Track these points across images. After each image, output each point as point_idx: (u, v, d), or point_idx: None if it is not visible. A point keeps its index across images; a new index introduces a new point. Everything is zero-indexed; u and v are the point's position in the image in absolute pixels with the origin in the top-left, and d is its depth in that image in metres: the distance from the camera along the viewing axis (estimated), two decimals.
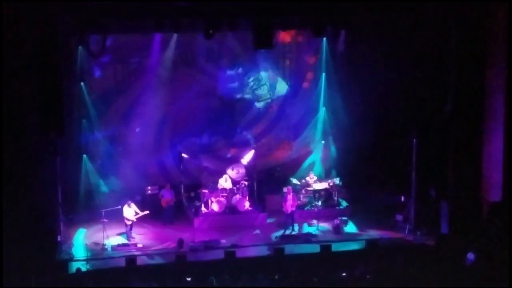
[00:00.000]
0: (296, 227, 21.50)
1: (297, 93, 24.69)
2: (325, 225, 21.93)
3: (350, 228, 21.85)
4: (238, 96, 24.24)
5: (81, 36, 20.32)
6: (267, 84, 24.47)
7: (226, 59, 23.78)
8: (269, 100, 24.51)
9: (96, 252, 19.79)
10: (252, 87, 24.38)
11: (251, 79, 24.31)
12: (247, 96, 24.36)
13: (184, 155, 23.41)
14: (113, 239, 20.59)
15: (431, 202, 21.13)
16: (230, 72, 24.01)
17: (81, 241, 20.58)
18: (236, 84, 24.20)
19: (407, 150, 21.41)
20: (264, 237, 21.28)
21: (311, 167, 24.23)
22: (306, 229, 21.63)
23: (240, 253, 19.30)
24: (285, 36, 23.66)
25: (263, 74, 24.34)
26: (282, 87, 24.53)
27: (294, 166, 24.58)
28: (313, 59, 24.29)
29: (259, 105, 24.54)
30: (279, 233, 21.33)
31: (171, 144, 24.01)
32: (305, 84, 24.58)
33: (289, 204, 21.39)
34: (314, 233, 21.25)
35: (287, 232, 21.38)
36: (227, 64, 23.85)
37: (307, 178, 23.28)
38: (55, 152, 19.71)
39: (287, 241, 20.64)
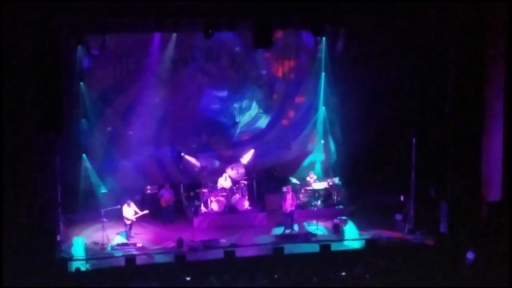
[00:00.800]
0: (296, 227, 21.49)
1: (296, 94, 24.69)
2: (324, 225, 21.94)
3: (350, 227, 21.84)
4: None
5: (80, 35, 20.30)
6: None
7: (225, 60, 23.80)
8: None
9: (96, 252, 19.78)
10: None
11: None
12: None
13: (183, 154, 23.43)
14: (112, 238, 20.57)
15: (431, 202, 21.12)
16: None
17: (81, 241, 20.55)
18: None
19: (407, 149, 21.41)
20: (263, 236, 21.27)
21: (310, 167, 24.23)
22: (306, 228, 21.62)
23: (239, 253, 19.29)
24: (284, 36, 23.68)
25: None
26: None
27: (293, 166, 24.57)
28: (312, 58, 24.30)
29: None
30: (279, 232, 21.32)
31: (170, 143, 24.02)
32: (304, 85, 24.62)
33: (288, 204, 21.38)
34: (313, 232, 21.25)
35: (287, 231, 21.36)
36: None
37: (308, 178, 23.27)
38: (54, 152, 19.72)
39: (287, 240, 20.63)
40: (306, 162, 24.67)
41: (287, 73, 24.68)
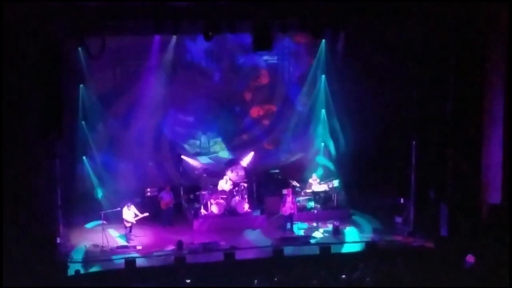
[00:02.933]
0: (296, 229, 21.48)
1: (296, 97, 24.71)
2: (324, 227, 21.93)
3: (349, 230, 21.84)
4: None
5: (80, 37, 20.29)
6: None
7: (225, 61, 23.81)
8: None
9: (95, 254, 19.78)
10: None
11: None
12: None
13: (183, 157, 23.44)
14: (112, 241, 20.57)
15: (431, 205, 21.09)
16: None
17: (80, 243, 20.56)
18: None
19: (407, 152, 21.41)
20: (263, 239, 21.26)
21: (310, 169, 24.20)
22: (303, 226, 21.64)
23: (239, 255, 19.28)
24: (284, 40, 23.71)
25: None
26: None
27: (293, 168, 24.56)
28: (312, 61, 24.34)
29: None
30: (279, 235, 21.31)
31: (170, 146, 24.02)
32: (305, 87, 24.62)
33: (288, 206, 21.38)
34: (313, 235, 21.24)
35: (287, 233, 21.35)
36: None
37: (310, 180, 23.25)
38: (54, 154, 19.72)
39: (287, 243, 20.63)
40: (306, 164, 24.65)
41: (287, 75, 24.70)
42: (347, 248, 20.34)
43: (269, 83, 24.55)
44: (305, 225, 22.01)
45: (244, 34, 21.63)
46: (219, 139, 24.54)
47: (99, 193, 22.79)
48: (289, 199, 21.44)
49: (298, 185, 23.38)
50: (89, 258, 19.33)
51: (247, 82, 24.36)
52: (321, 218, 22.25)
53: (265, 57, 24.06)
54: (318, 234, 21.41)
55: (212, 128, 24.34)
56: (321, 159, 24.74)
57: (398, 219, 21.81)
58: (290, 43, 24.12)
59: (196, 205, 22.73)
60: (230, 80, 24.18)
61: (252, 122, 24.66)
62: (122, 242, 20.72)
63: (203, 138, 24.33)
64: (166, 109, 23.60)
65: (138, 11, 19.21)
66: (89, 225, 21.97)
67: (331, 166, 24.53)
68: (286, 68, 24.68)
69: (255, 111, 24.65)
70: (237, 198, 22.58)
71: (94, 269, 18.77)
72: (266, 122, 24.74)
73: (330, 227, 21.79)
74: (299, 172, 24.36)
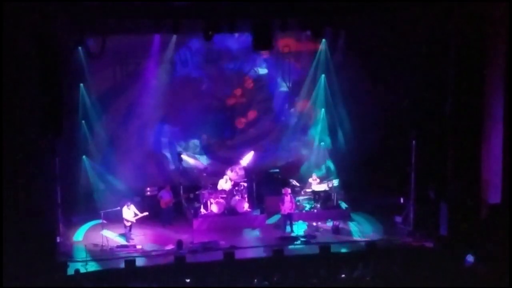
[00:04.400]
0: (295, 229, 21.48)
1: (296, 96, 24.71)
2: (324, 227, 21.93)
3: (349, 229, 21.82)
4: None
5: (80, 36, 20.31)
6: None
7: (226, 60, 23.83)
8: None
9: (95, 253, 19.77)
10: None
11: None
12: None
13: (183, 156, 23.43)
14: (112, 240, 20.57)
15: (430, 204, 21.10)
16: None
17: (80, 242, 20.55)
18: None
19: (406, 151, 21.41)
20: (263, 238, 21.27)
21: (310, 169, 24.20)
22: (303, 227, 21.64)
23: (239, 255, 19.26)
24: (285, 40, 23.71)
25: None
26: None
27: (293, 167, 24.57)
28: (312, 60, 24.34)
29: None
30: (278, 234, 21.31)
31: (170, 145, 24.02)
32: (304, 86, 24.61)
33: (287, 206, 21.37)
34: (313, 234, 21.24)
35: (286, 233, 21.36)
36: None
37: (310, 180, 23.25)
38: (54, 153, 19.72)
39: (286, 242, 20.63)
40: (306, 164, 24.66)
41: (287, 75, 24.70)
42: (346, 248, 20.32)
43: (269, 82, 24.52)
44: (304, 224, 22.00)
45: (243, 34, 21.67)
46: (219, 138, 24.49)
47: (99, 192, 22.77)
48: (287, 198, 21.43)
49: (298, 184, 23.38)
50: (89, 257, 19.30)
51: (243, 82, 24.32)
52: (320, 218, 22.24)
53: (264, 56, 24.01)
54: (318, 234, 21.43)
55: (212, 127, 24.29)
56: (321, 159, 24.73)
57: (398, 219, 21.84)
58: (290, 42, 24.06)
59: (196, 204, 22.71)
60: (229, 79, 24.15)
61: (251, 122, 24.62)
62: (121, 241, 20.71)
63: (203, 137, 24.29)
64: (166, 109, 23.57)
65: (138, 10, 19.20)
66: (88, 225, 21.95)
67: (331, 165, 24.53)
68: (285, 67, 24.62)
69: (252, 113, 24.63)
70: (237, 197, 22.58)
71: (93, 268, 18.77)
72: (265, 122, 24.69)
73: (329, 226, 21.78)
74: (299, 171, 24.37)
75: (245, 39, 22.58)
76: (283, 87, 24.69)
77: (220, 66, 23.93)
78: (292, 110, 24.81)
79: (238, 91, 24.33)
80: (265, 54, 23.74)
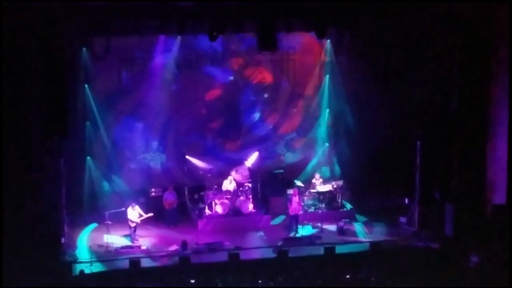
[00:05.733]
0: (300, 229, 21.47)
1: (301, 97, 24.69)
2: (329, 227, 21.91)
3: (354, 230, 21.80)
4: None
5: (85, 38, 20.34)
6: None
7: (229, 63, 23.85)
8: None
9: (100, 254, 19.79)
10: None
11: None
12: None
13: (188, 157, 23.43)
14: (117, 241, 20.58)
15: (436, 205, 21.09)
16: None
17: (85, 243, 20.58)
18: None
19: (411, 152, 21.38)
20: (268, 239, 21.26)
21: (315, 169, 24.18)
22: (310, 231, 21.61)
23: (244, 255, 19.27)
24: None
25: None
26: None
27: (298, 168, 24.55)
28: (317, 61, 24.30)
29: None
30: (283, 235, 21.30)
31: (175, 146, 24.01)
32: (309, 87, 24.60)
33: (295, 207, 21.37)
34: (318, 235, 21.22)
35: (291, 234, 21.34)
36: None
37: (313, 180, 23.23)
38: (59, 154, 19.75)
39: (291, 243, 20.61)
40: (311, 164, 24.65)
41: (291, 76, 24.69)
42: (351, 248, 20.30)
43: (273, 83, 24.50)
44: (309, 225, 21.97)
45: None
46: (223, 139, 24.46)
47: (103, 193, 22.79)
48: (295, 199, 21.43)
49: (302, 185, 23.35)
50: (93, 258, 19.32)
51: (251, 82, 24.30)
52: (325, 218, 22.22)
53: (268, 57, 23.99)
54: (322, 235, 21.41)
55: (217, 127, 24.28)
56: (326, 159, 24.71)
57: (403, 219, 21.82)
58: (295, 42, 24.04)
59: (201, 205, 22.70)
60: (234, 80, 24.14)
61: (257, 122, 24.60)
62: (126, 242, 20.72)
63: (208, 138, 24.27)
64: (170, 110, 23.57)
65: (143, 11, 19.21)
66: (92, 226, 21.98)
67: (335, 166, 24.51)
68: (290, 68, 24.61)
69: (258, 112, 24.59)
70: (241, 198, 22.57)
71: (98, 269, 18.78)
72: (271, 122, 24.68)
73: (334, 227, 21.76)
74: (304, 172, 24.35)
75: (250, 40, 22.56)
76: (288, 88, 24.65)
77: (223, 67, 23.91)
78: (296, 111, 24.77)
79: (241, 92, 24.30)
80: (269, 55, 23.69)
